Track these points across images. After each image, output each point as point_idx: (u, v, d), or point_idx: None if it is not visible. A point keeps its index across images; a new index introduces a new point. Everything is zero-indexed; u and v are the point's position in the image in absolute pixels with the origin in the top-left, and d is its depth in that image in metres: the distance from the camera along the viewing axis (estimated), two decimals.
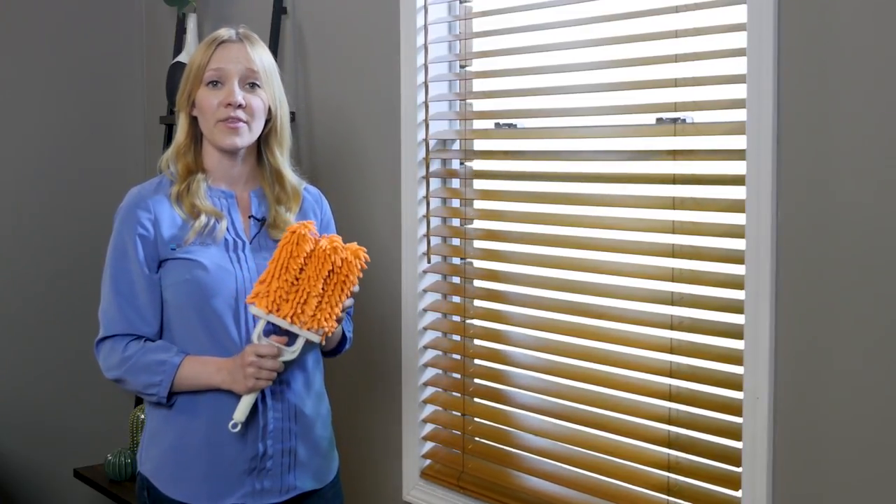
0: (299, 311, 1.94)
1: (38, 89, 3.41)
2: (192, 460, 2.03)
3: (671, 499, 2.02)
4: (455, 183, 2.51)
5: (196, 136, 2.10)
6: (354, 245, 1.98)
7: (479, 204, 2.47)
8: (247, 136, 2.05)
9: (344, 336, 2.17)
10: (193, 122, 2.09)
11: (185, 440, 2.03)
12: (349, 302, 2.00)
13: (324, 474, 2.15)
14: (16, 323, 3.39)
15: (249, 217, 2.10)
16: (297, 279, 1.94)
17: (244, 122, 2.03)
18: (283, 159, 2.12)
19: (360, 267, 1.97)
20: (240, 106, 2.02)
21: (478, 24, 2.47)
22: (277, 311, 1.94)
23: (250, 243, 2.08)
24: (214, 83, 2.03)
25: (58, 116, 3.45)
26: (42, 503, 3.47)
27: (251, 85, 2.05)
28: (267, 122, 2.09)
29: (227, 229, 2.06)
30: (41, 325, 3.43)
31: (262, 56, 2.08)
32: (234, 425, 1.96)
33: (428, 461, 2.56)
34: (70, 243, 3.46)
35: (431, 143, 2.50)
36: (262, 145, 2.12)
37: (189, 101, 2.07)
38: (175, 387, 1.99)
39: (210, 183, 2.09)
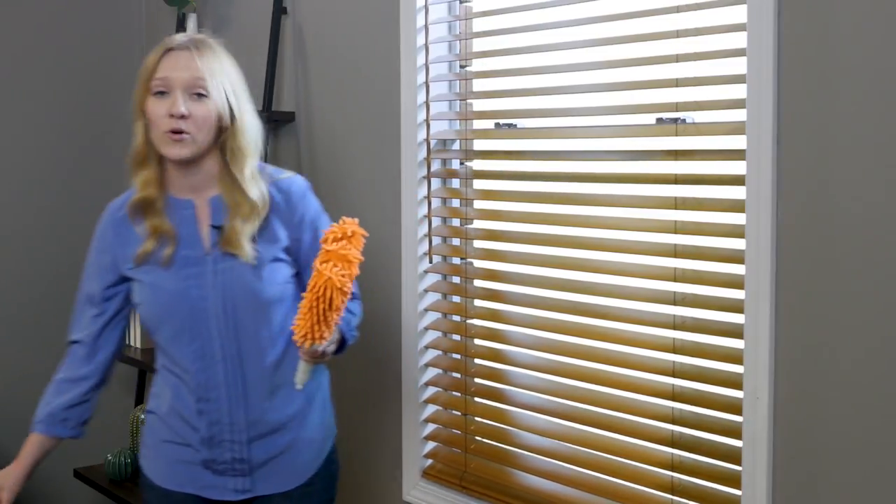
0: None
1: (37, 90, 3.40)
2: (160, 448, 2.15)
3: (675, 498, 2.02)
4: (455, 183, 2.51)
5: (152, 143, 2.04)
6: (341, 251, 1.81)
7: (479, 204, 2.47)
8: (191, 147, 1.98)
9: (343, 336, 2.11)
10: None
11: (156, 430, 2.16)
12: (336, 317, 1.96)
13: (297, 476, 2.12)
14: (15, 323, 3.39)
15: (210, 226, 2.05)
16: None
17: (188, 133, 1.97)
18: (241, 168, 2.02)
19: (338, 286, 1.81)
20: (182, 116, 1.96)
21: (478, 24, 2.47)
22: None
23: (209, 255, 2.04)
24: (161, 93, 1.98)
25: (57, 117, 3.44)
26: (42, 503, 3.47)
27: (198, 95, 1.98)
28: (224, 130, 2.02)
29: (185, 243, 2.04)
30: (41, 325, 3.41)
31: (210, 64, 1.99)
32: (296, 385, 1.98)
33: (429, 461, 2.56)
34: (69, 244, 3.44)
35: (432, 143, 2.50)
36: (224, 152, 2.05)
37: (141, 109, 2.03)
38: None
39: (171, 192, 2.06)
